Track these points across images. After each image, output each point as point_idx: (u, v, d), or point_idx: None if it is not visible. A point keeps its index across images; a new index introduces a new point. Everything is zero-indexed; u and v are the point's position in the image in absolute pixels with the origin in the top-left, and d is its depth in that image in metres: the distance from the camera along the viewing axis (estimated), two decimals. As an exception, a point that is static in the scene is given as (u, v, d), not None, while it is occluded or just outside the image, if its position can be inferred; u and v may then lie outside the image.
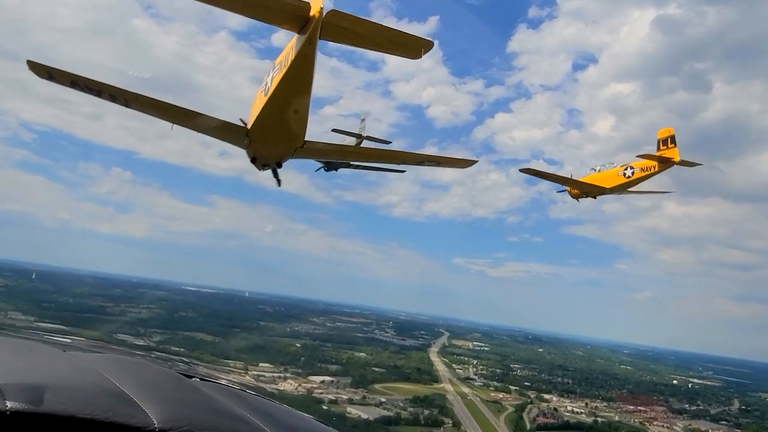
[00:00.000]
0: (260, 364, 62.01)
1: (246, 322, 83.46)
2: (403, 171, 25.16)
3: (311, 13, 11.49)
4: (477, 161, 19.78)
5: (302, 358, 68.81)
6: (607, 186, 27.84)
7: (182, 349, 62.19)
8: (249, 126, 15.38)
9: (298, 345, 75.77)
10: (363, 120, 29.85)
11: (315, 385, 59.21)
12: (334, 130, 26.81)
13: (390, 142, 27.21)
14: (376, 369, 70.56)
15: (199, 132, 16.89)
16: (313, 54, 12.36)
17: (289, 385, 56.73)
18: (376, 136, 27.44)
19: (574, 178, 28.25)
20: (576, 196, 29.19)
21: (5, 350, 2.09)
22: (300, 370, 63.61)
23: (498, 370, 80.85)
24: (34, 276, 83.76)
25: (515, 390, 70.68)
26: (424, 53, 12.05)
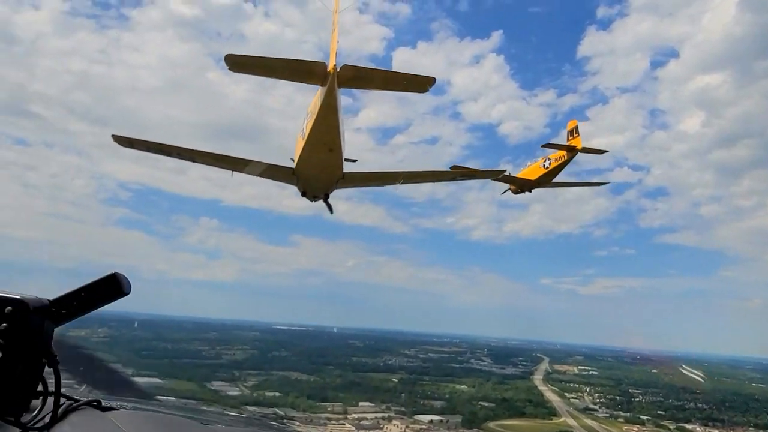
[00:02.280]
0: (360, 404, 59.07)
1: (338, 359, 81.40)
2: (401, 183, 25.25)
3: (328, 70, 13.94)
4: (506, 171, 22.81)
5: (402, 395, 65.20)
6: (533, 177, 30.21)
7: (277, 394, 60.50)
8: (294, 165, 17.79)
9: (395, 380, 72.38)
10: None
11: (424, 426, 55.12)
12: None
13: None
14: (485, 404, 65.41)
15: (254, 176, 19.70)
16: (334, 101, 14.46)
17: (395, 428, 52.95)
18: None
19: (506, 174, 29.80)
20: (514, 191, 31.56)
21: (152, 429, 2.09)
22: (403, 409, 59.91)
23: (617, 397, 73.09)
24: (136, 324, 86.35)
25: (648, 420, 62.94)
26: (429, 88, 14.25)
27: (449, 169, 21.51)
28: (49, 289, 1.40)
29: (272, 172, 19.00)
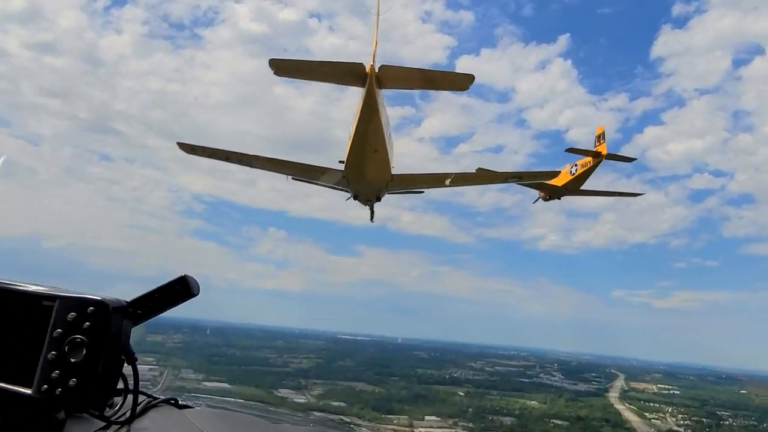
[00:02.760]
0: (426, 418, 57.84)
1: (403, 370, 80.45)
2: (421, 192, 25.32)
3: (366, 71, 14.18)
4: (560, 171, 21.98)
5: (469, 409, 63.35)
6: (560, 184, 29.59)
7: (343, 404, 60.42)
8: (344, 169, 17.92)
9: (461, 393, 70.50)
10: None
11: (494, 445, 53.11)
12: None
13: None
14: (558, 422, 62.36)
15: (308, 180, 20.23)
16: (374, 102, 14.65)
17: (465, 445, 51.50)
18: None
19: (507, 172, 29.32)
20: (544, 198, 31.29)
21: (226, 426, 2.19)
22: (471, 425, 58.16)
23: (704, 419, 67.70)
24: (208, 331, 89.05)
25: (745, 448, 57.72)
26: (469, 86, 14.19)
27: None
28: (130, 295, 1.51)
29: (322, 174, 19.21)
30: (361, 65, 14.40)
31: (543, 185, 29.92)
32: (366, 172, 17.58)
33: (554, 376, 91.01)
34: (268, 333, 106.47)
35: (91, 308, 1.40)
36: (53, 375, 1.37)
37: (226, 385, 54.77)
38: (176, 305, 1.57)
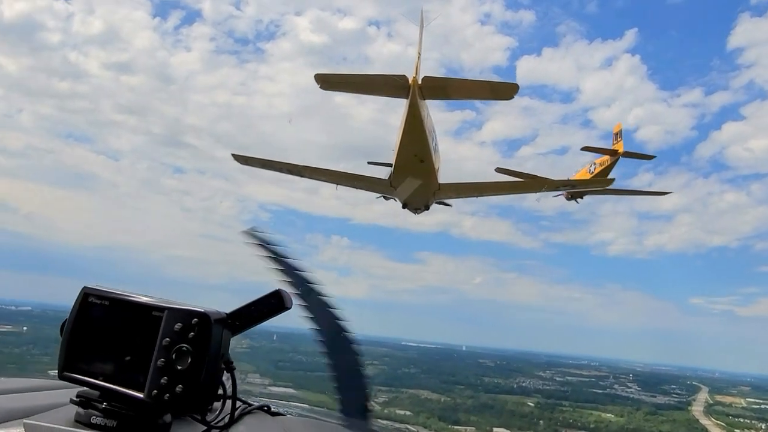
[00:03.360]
0: (494, 429, 55.98)
1: (469, 378, 78.68)
2: (449, 205, 25.31)
3: (409, 83, 14.49)
4: (614, 179, 21.47)
5: (540, 422, 60.86)
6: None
7: (408, 412, 59.53)
8: (390, 178, 18.29)
9: (531, 404, 67.95)
10: None
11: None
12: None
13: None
14: (638, 437, 58.83)
15: (357, 188, 20.52)
16: (418, 112, 14.88)
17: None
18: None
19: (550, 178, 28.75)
20: (567, 198, 30.18)
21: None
22: (544, 438, 55.84)
23: (803, 438, 62.04)
24: (275, 337, 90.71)
25: None
26: (514, 95, 14.21)
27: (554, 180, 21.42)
28: (203, 303, 1.60)
29: (370, 184, 19.66)
30: (404, 77, 14.70)
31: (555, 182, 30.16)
32: (413, 182, 17.89)
33: (629, 387, 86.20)
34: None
35: (195, 319, 1.50)
36: (162, 381, 1.47)
37: (292, 390, 55.28)
38: (271, 318, 1.64)
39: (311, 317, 2.24)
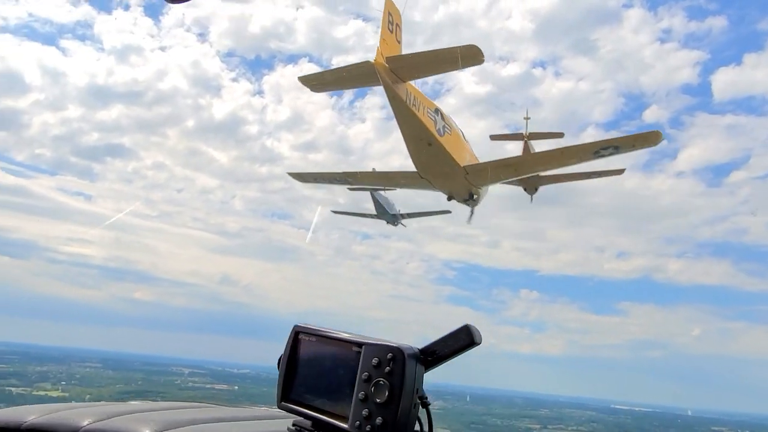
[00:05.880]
0: None
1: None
2: (448, 212, 24.14)
3: (376, 67, 14.30)
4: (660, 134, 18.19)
5: None
6: None
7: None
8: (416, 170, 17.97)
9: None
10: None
11: None
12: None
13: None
14: None
15: (396, 187, 20.75)
16: (395, 95, 14.88)
17: None
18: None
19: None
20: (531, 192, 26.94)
21: None
22: None
23: None
24: (468, 398, 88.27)
25: None
26: (482, 58, 14.04)
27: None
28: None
29: (406, 179, 19.34)
30: (368, 62, 14.47)
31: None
32: (431, 167, 17.59)
33: None
34: (530, 401, 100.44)
35: (390, 354, 1.56)
36: (363, 413, 1.55)
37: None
38: (461, 353, 1.62)
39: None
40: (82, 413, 1.82)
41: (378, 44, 14.87)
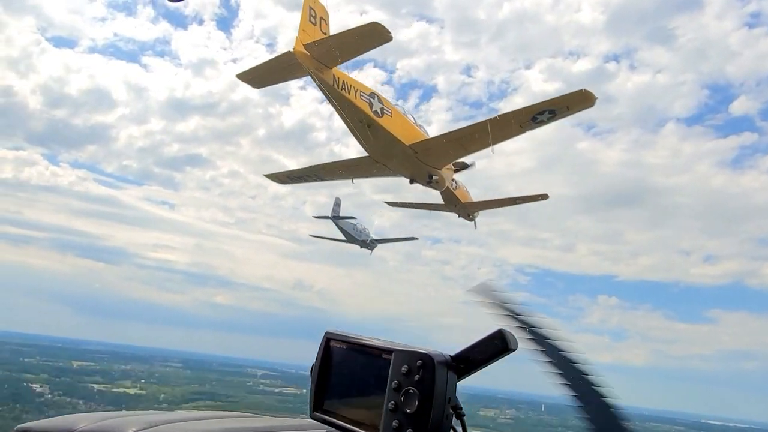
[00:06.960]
0: None
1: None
2: (415, 239, 25.37)
3: (296, 56, 14.64)
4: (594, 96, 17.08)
5: None
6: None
7: None
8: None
9: None
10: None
11: None
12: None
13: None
14: None
15: (354, 177, 20.66)
16: (322, 80, 15.16)
17: None
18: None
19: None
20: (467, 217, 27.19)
21: None
22: None
23: None
24: (543, 408, 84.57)
25: None
26: (390, 36, 13.87)
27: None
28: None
29: (359, 167, 19.40)
30: (289, 52, 14.59)
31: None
32: (378, 149, 17.78)
33: None
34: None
35: (420, 361, 1.50)
36: (393, 423, 1.50)
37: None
38: (496, 360, 1.54)
39: (565, 384, 1.92)
40: (128, 422, 1.81)
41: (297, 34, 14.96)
